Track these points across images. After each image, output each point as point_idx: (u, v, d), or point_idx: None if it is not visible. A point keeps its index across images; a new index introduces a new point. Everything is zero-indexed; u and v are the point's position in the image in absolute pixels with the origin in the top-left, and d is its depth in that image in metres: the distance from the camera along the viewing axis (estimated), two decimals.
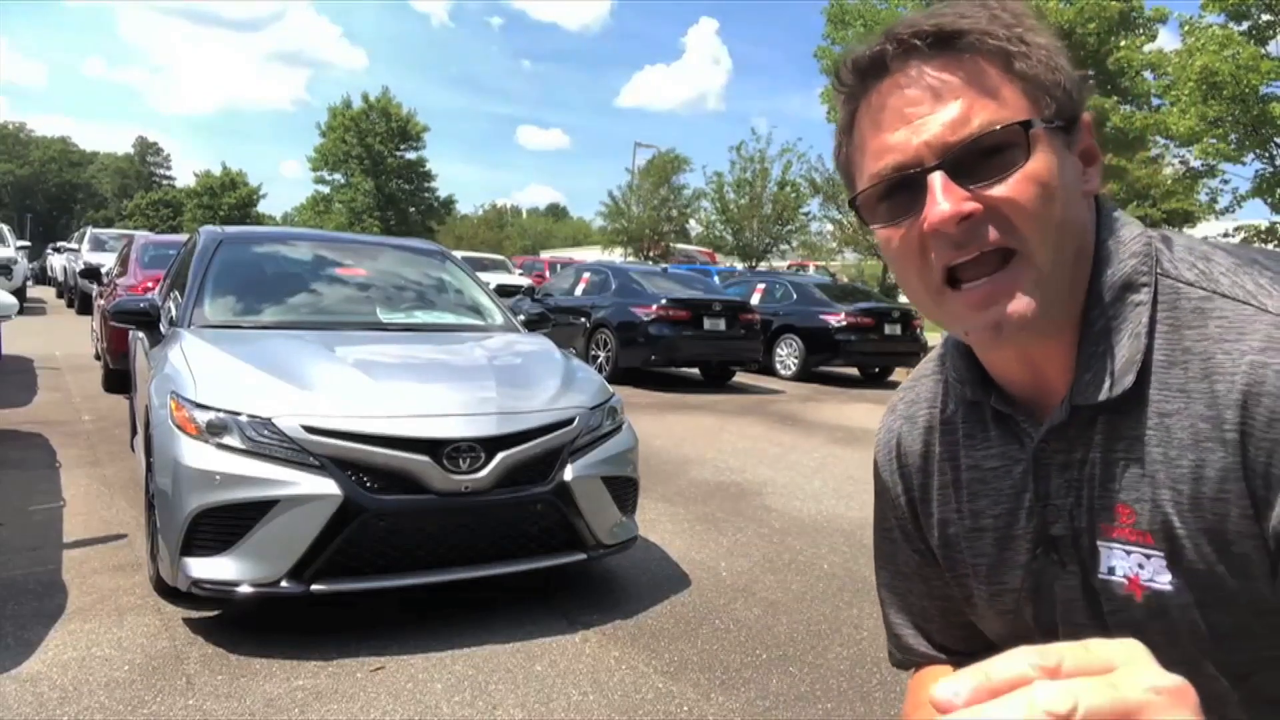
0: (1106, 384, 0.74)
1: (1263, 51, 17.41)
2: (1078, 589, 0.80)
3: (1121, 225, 0.79)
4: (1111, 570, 0.76)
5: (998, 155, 0.71)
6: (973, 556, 0.88)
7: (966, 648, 0.97)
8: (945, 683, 0.40)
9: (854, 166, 0.80)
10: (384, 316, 4.42)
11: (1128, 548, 0.75)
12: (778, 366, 12.49)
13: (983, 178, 0.71)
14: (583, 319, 11.20)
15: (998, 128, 0.71)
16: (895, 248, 0.76)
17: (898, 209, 0.75)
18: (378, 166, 44.95)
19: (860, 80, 0.77)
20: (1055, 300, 0.73)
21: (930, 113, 0.72)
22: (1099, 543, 0.77)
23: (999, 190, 0.71)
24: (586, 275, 12.15)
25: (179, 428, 3.05)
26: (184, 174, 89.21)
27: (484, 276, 8.39)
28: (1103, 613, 0.78)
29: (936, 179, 0.71)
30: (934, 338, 16.60)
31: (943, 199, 0.70)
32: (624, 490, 3.57)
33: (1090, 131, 0.78)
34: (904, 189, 0.74)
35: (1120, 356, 0.74)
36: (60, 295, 22.38)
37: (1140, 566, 0.74)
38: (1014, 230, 0.71)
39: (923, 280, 0.75)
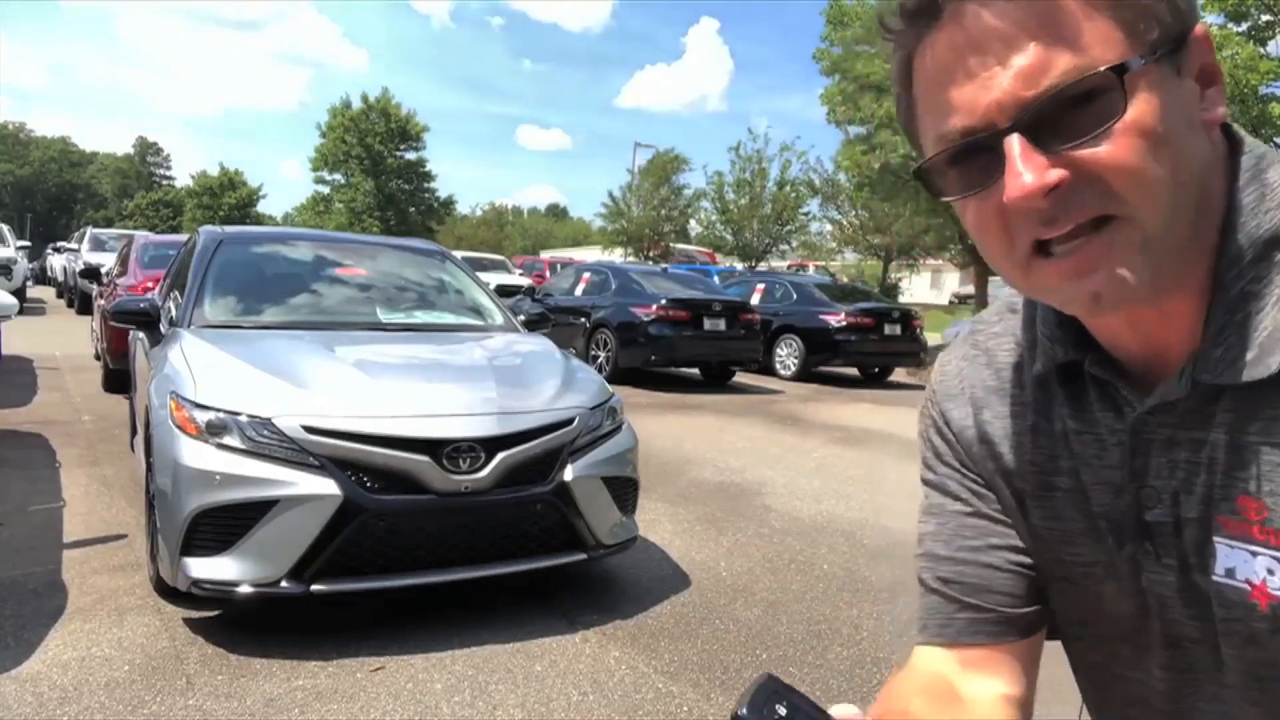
0: (1247, 362, 0.61)
1: (1261, 52, 17.44)
2: (1173, 585, 0.69)
3: (1268, 164, 0.65)
4: (1230, 572, 0.65)
5: (1087, 107, 0.57)
6: (1041, 518, 0.76)
7: (980, 599, 0.80)
8: None
9: (916, 125, 0.67)
10: (384, 317, 4.42)
11: (1254, 548, 0.63)
12: (778, 366, 12.50)
13: (1071, 137, 0.58)
14: (583, 319, 11.20)
15: (1085, 76, 0.57)
16: (971, 219, 0.64)
17: (971, 178, 0.62)
18: (378, 167, 45.00)
19: (910, 26, 0.64)
20: (1168, 262, 0.61)
21: (998, 63, 0.58)
22: (1216, 539, 0.66)
23: (1092, 151, 0.57)
24: (586, 275, 12.16)
25: (179, 428, 3.05)
26: (184, 174, 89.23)
27: (484, 276, 8.39)
28: (1211, 616, 0.67)
29: (1013, 144, 0.58)
30: (934, 338, 16.58)
31: (1023, 169, 0.58)
32: (624, 490, 3.57)
33: (1208, 44, 0.63)
34: (977, 154, 0.61)
35: (1263, 328, 0.61)
36: (60, 295, 22.38)
37: (1270, 573, 0.63)
38: (1114, 195, 0.58)
39: (1005, 254, 0.63)
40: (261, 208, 59.05)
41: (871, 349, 12.22)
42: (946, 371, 0.86)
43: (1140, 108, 0.57)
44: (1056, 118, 0.58)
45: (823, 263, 34.41)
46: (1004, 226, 0.62)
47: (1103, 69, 0.57)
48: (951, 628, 0.80)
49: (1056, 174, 0.58)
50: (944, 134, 0.62)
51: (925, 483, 0.86)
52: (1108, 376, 0.70)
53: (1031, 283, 0.64)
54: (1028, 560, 0.79)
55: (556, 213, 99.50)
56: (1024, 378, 0.77)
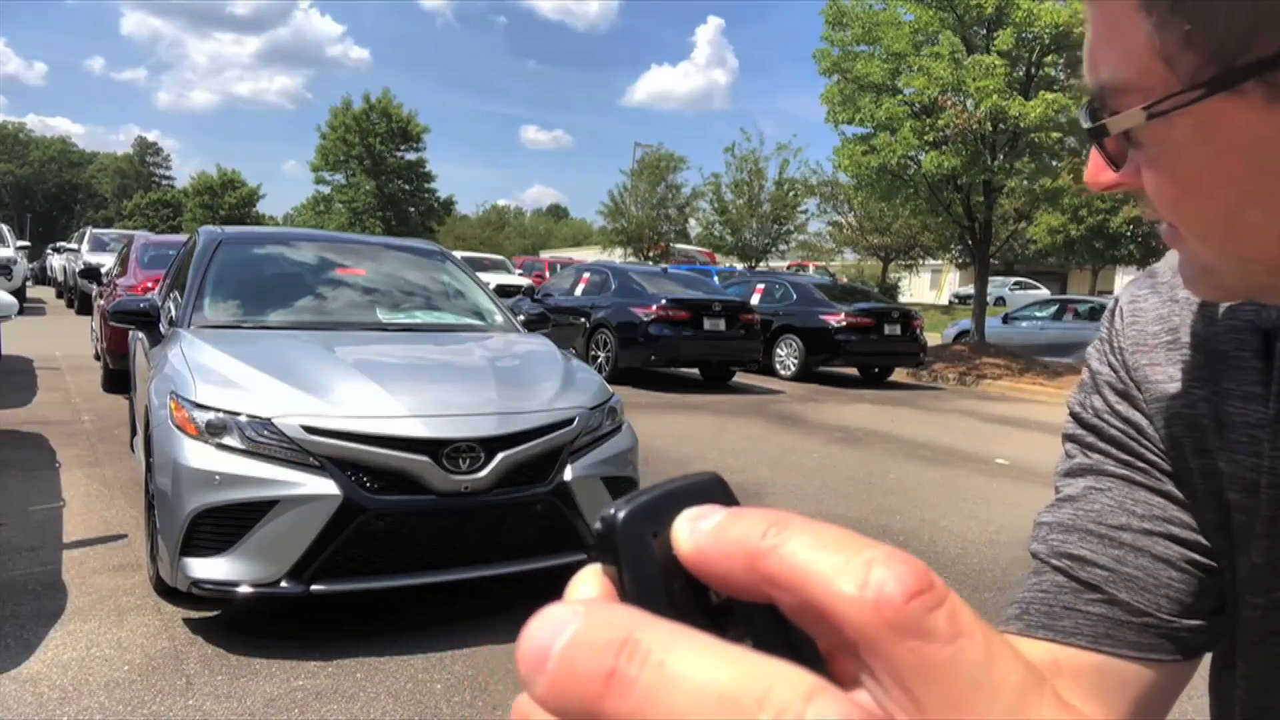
0: None
1: None
2: None
3: None
4: None
5: None
6: (1264, 550, 0.52)
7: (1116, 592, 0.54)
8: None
9: None
10: (384, 317, 4.42)
11: None
12: (778, 367, 12.49)
13: None
14: (583, 319, 11.20)
15: None
16: None
17: None
18: (378, 167, 45.01)
19: None
20: None
21: None
22: None
23: None
24: (586, 275, 12.16)
25: (179, 428, 3.05)
26: (184, 174, 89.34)
27: (484, 276, 8.40)
28: None
29: None
30: (934, 338, 16.56)
31: None
32: (624, 490, 3.51)
33: None
34: None
35: None
36: (60, 295, 22.39)
37: None
38: None
39: None
40: (262, 208, 59.05)
41: (871, 349, 12.20)
42: (1142, 312, 0.58)
43: None
44: None
45: (822, 263, 34.41)
46: None
47: None
48: (1069, 619, 0.54)
49: None
50: None
51: (1072, 438, 0.60)
52: None
53: None
54: (1213, 565, 0.54)
55: (557, 213, 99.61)
56: (1267, 346, 0.52)
